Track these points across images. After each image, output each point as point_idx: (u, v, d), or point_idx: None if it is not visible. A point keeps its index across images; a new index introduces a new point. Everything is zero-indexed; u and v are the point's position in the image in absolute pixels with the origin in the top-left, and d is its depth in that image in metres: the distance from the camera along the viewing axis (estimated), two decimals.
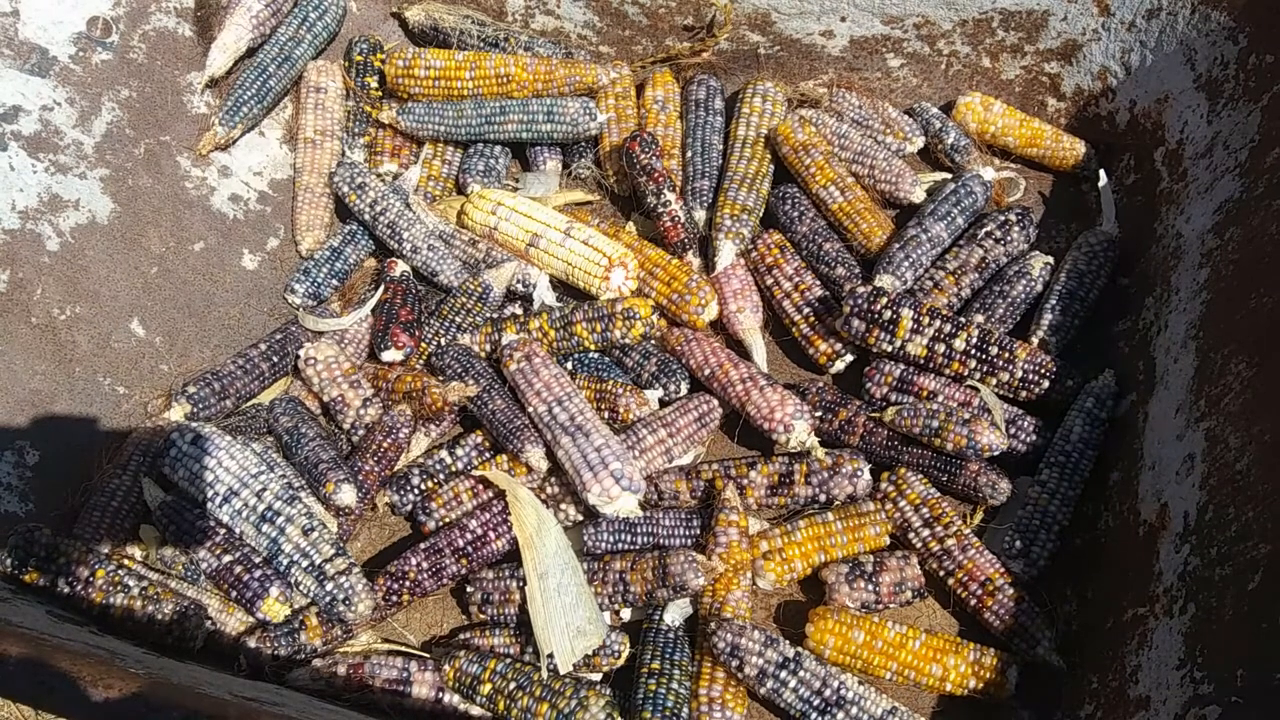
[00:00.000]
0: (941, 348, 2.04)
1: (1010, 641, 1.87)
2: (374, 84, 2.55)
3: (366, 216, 2.36)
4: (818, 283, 2.27)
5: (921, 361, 2.08)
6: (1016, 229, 2.27)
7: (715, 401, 2.13)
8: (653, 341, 2.24)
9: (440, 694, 1.84)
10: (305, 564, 1.81)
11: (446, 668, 1.82)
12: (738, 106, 2.48)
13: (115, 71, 2.23)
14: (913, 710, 1.77)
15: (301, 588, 1.83)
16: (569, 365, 2.22)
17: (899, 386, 2.11)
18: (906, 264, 2.18)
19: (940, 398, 2.08)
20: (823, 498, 2.01)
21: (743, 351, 2.24)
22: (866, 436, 2.08)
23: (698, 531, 1.96)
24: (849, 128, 2.44)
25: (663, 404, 2.16)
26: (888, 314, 2.04)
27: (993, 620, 1.88)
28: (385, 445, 2.05)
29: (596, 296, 2.24)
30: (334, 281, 2.37)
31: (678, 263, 2.26)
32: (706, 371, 2.13)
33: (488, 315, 2.27)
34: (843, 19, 2.44)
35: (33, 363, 2.00)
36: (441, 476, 2.08)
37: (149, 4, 2.30)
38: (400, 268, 2.31)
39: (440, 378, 2.15)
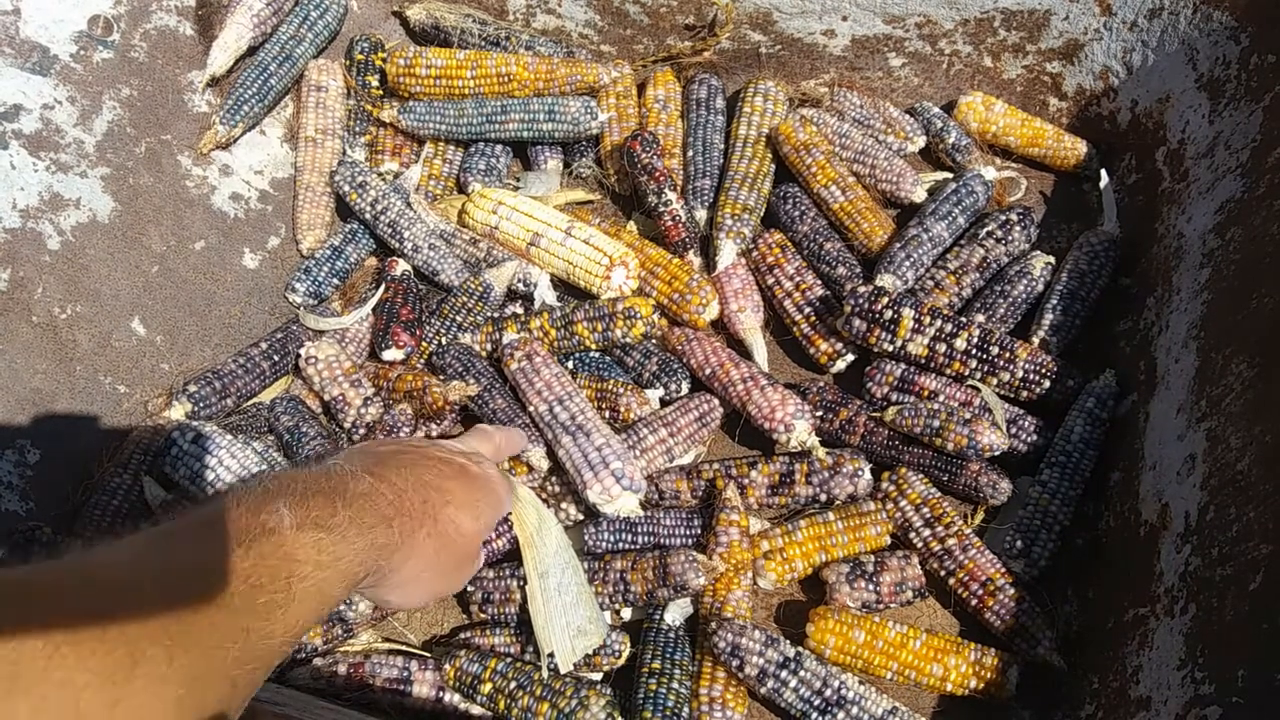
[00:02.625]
0: (942, 347, 2.04)
1: (1011, 641, 1.87)
2: (375, 83, 2.55)
3: (367, 215, 2.36)
4: (819, 282, 2.27)
5: (922, 361, 2.08)
6: (1018, 228, 2.27)
7: (716, 401, 2.13)
8: (654, 341, 2.24)
9: (441, 693, 1.84)
10: None
11: (447, 667, 1.83)
12: (739, 106, 2.48)
13: (116, 70, 2.23)
14: (913, 710, 1.77)
15: None
16: (570, 365, 2.22)
17: (900, 386, 2.11)
18: (907, 263, 2.18)
19: (941, 397, 2.08)
20: (823, 497, 2.01)
21: (744, 351, 2.24)
22: (867, 436, 2.08)
23: (698, 531, 1.96)
24: (850, 127, 2.44)
25: (664, 403, 2.16)
26: (889, 313, 2.04)
27: (993, 620, 1.88)
28: None
29: (597, 296, 2.24)
30: (335, 280, 2.37)
31: (679, 262, 2.26)
32: (707, 371, 2.13)
33: (489, 314, 2.27)
34: (844, 18, 2.44)
35: (33, 361, 2.00)
36: None
37: (150, 3, 2.30)
38: (401, 267, 2.31)
39: (441, 377, 2.15)
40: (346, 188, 2.38)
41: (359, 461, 1.24)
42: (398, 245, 2.33)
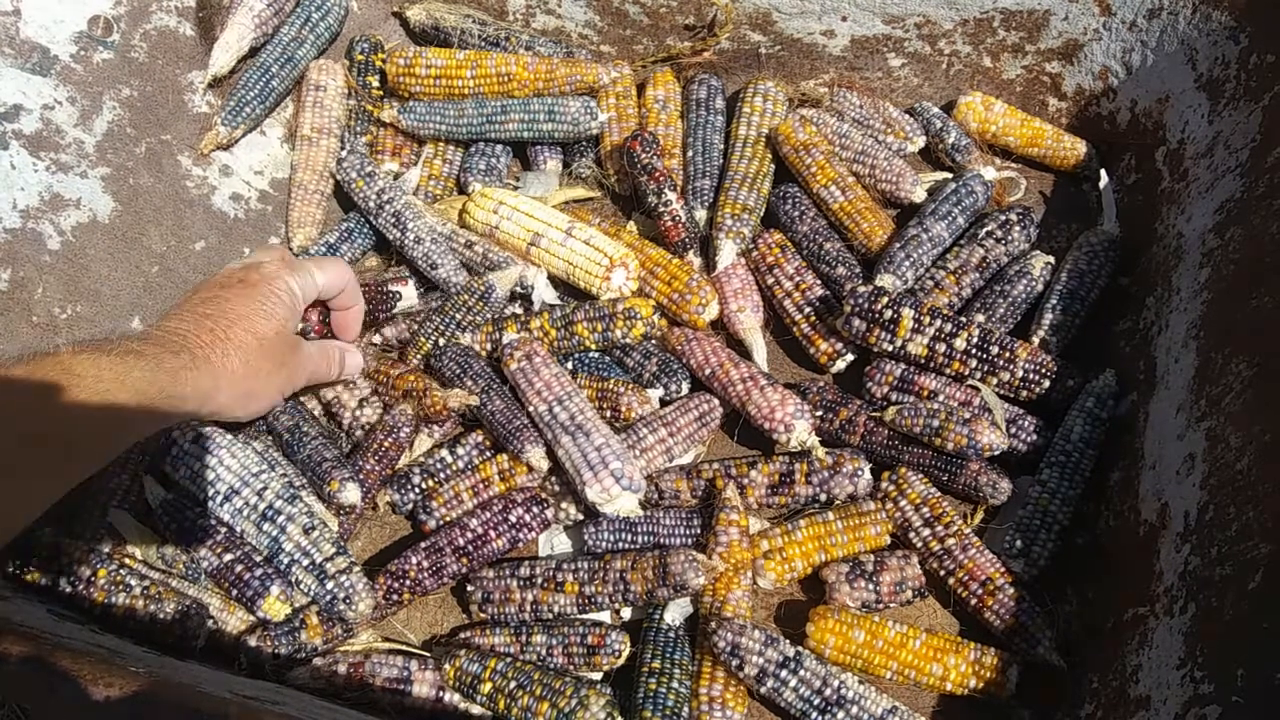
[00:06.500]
0: (942, 347, 2.04)
1: (1011, 641, 1.87)
2: (375, 83, 2.56)
3: (371, 204, 2.35)
4: (818, 282, 2.27)
5: (922, 361, 2.08)
6: (1017, 228, 2.27)
7: (716, 401, 2.13)
8: (653, 341, 2.25)
9: (441, 693, 1.84)
10: (306, 563, 1.81)
11: (447, 666, 1.83)
12: (739, 106, 2.48)
13: (116, 70, 2.23)
14: (913, 710, 1.77)
15: (302, 586, 1.83)
16: (570, 365, 2.22)
17: (900, 386, 2.11)
18: (907, 263, 2.18)
19: (941, 397, 2.08)
20: (823, 497, 2.01)
21: (743, 351, 2.24)
22: (867, 436, 2.08)
23: (698, 531, 1.96)
24: (850, 127, 2.44)
25: (663, 403, 2.16)
26: (888, 313, 2.04)
27: (993, 620, 1.88)
28: (387, 444, 2.05)
29: (597, 296, 2.24)
30: None
31: (678, 262, 2.26)
32: (707, 371, 2.13)
33: (489, 315, 2.27)
34: (844, 18, 2.44)
35: None
36: (442, 475, 2.08)
37: (150, 3, 2.30)
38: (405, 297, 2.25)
39: (438, 380, 2.15)
40: (353, 175, 2.37)
41: (155, 324, 1.54)
42: (399, 235, 2.32)
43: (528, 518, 1.96)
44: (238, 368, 1.52)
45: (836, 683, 1.74)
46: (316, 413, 2.17)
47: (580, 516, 2.02)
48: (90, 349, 1.31)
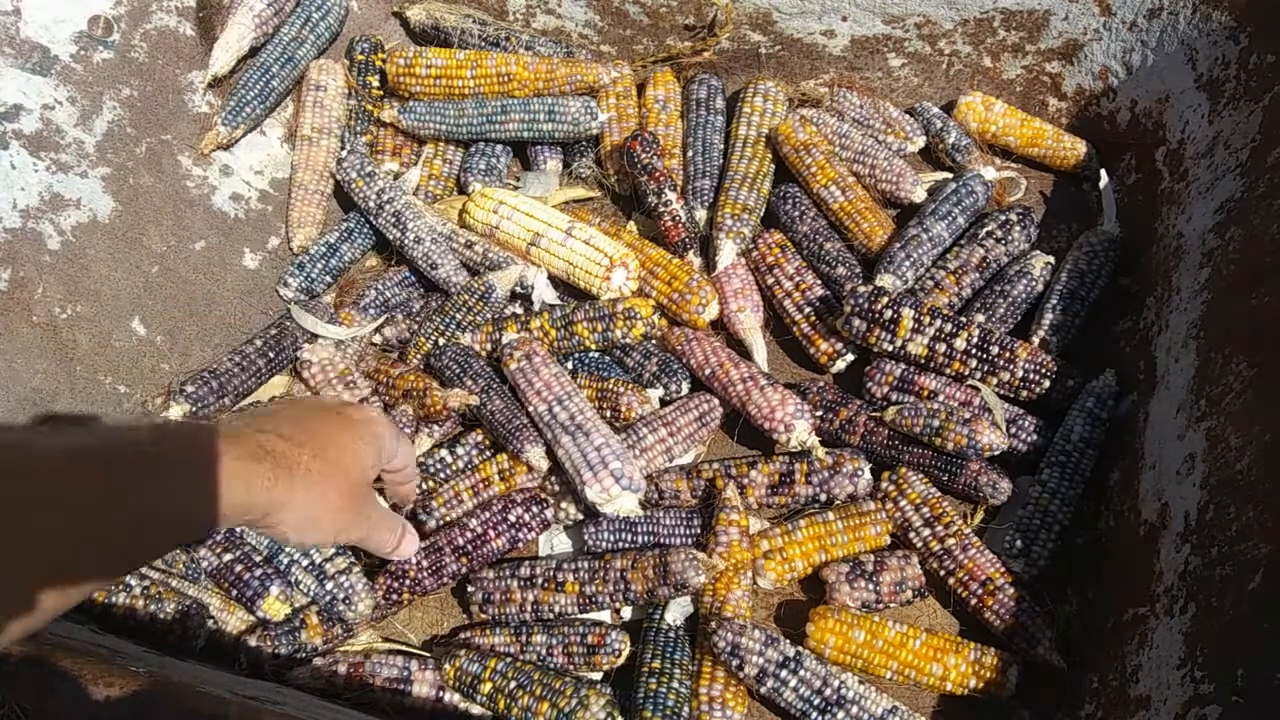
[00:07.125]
0: (942, 347, 2.04)
1: (1011, 641, 1.87)
2: (375, 83, 2.56)
3: (371, 204, 2.35)
4: (819, 282, 2.27)
5: (922, 361, 2.08)
6: (1017, 228, 2.27)
7: (716, 401, 2.13)
8: (654, 341, 2.24)
9: (441, 693, 1.84)
10: (305, 563, 1.82)
11: (447, 666, 1.83)
12: (739, 106, 2.48)
13: (116, 70, 2.23)
14: (913, 709, 1.77)
15: (302, 586, 1.83)
16: (570, 365, 2.22)
17: (900, 386, 2.11)
18: (907, 263, 2.18)
19: (941, 397, 2.08)
20: (823, 497, 2.01)
21: (743, 351, 2.24)
22: (867, 436, 2.08)
23: (698, 530, 1.96)
24: (850, 127, 2.44)
25: (663, 403, 2.16)
26: (888, 313, 2.04)
27: (993, 620, 1.88)
28: None
29: (597, 296, 2.24)
30: (328, 278, 2.38)
31: (678, 262, 2.26)
32: (707, 371, 2.13)
33: (489, 315, 2.27)
34: (844, 18, 2.44)
35: (34, 361, 2.00)
36: (442, 475, 2.08)
37: (150, 3, 2.30)
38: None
39: (438, 380, 2.15)
40: (353, 174, 2.37)
41: (241, 418, 1.37)
42: (399, 235, 2.32)
43: (527, 518, 1.96)
44: (315, 492, 1.36)
45: (836, 683, 1.74)
46: None
47: (580, 516, 2.02)
48: (184, 446, 1.16)
